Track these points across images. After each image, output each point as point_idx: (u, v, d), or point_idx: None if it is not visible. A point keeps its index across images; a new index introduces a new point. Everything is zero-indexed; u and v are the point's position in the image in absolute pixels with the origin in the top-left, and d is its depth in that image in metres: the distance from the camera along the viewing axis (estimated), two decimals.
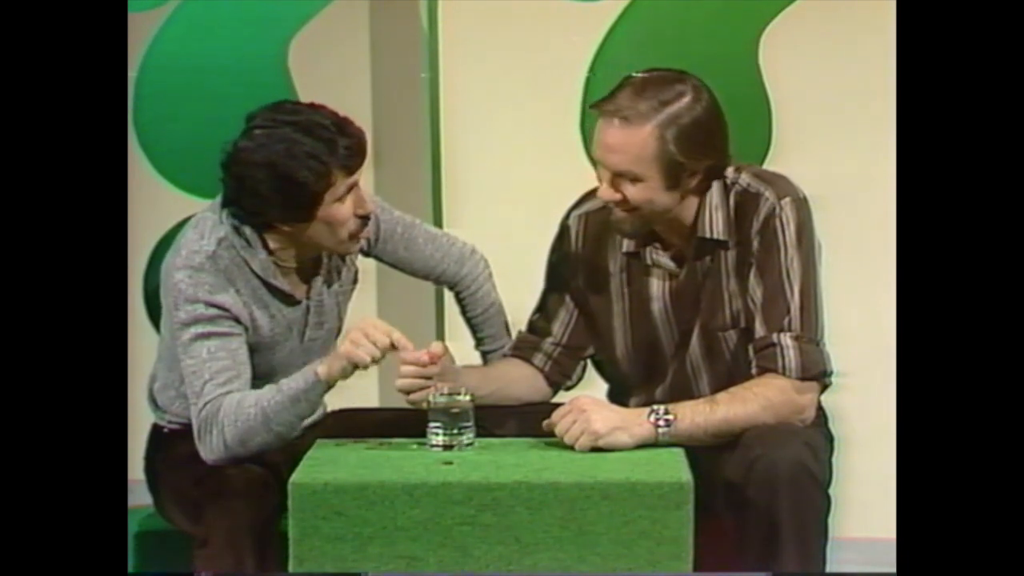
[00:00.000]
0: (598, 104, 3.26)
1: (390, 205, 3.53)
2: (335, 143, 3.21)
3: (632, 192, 3.24)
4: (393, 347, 3.18)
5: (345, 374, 3.20)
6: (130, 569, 3.51)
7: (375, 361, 3.18)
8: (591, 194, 3.42)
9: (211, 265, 3.27)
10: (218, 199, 3.34)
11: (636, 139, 3.20)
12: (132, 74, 4.25)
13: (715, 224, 3.30)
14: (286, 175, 3.20)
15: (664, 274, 3.36)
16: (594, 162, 3.30)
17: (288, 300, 3.36)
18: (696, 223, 3.31)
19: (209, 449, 3.23)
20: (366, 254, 3.52)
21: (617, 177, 3.24)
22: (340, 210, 3.25)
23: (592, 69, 4.31)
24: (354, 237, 3.32)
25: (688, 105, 3.22)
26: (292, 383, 3.21)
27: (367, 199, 3.31)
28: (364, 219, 3.31)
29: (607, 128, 3.23)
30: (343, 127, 3.24)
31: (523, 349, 3.49)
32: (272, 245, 3.32)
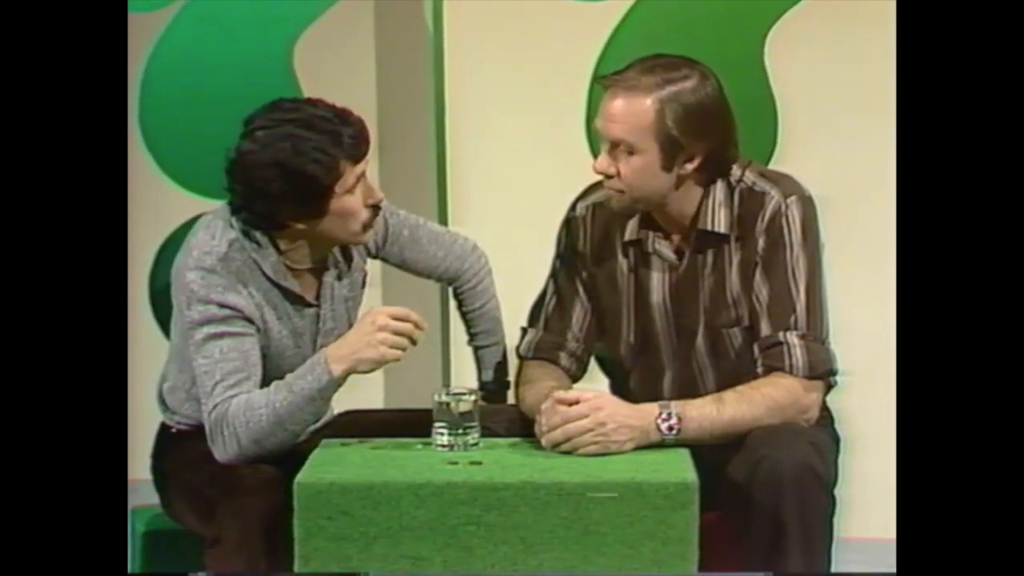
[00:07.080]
0: (605, 77, 3.29)
1: (395, 206, 3.53)
2: (339, 134, 3.22)
3: (627, 167, 3.24)
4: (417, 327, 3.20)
5: (366, 371, 3.21)
6: (137, 569, 3.52)
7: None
8: (597, 185, 3.42)
9: (223, 267, 3.27)
10: (226, 204, 3.33)
11: (636, 109, 3.22)
12: (137, 75, 4.25)
13: (717, 218, 3.30)
14: (295, 171, 3.20)
15: (664, 266, 3.36)
16: (595, 152, 3.30)
17: (299, 303, 3.36)
18: (698, 217, 3.31)
19: (223, 450, 3.23)
20: (373, 256, 3.53)
21: (614, 149, 3.25)
22: (351, 201, 3.26)
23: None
24: (367, 227, 3.32)
25: (692, 87, 3.23)
26: (303, 383, 3.20)
27: (376, 188, 3.32)
28: (375, 208, 3.32)
29: (610, 99, 3.25)
30: (344, 117, 3.25)
31: (547, 351, 3.44)
32: (283, 246, 3.32)
